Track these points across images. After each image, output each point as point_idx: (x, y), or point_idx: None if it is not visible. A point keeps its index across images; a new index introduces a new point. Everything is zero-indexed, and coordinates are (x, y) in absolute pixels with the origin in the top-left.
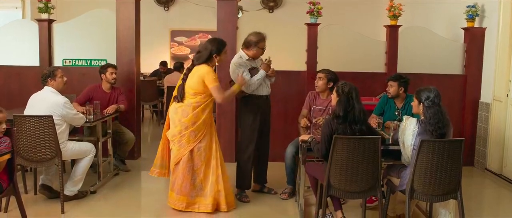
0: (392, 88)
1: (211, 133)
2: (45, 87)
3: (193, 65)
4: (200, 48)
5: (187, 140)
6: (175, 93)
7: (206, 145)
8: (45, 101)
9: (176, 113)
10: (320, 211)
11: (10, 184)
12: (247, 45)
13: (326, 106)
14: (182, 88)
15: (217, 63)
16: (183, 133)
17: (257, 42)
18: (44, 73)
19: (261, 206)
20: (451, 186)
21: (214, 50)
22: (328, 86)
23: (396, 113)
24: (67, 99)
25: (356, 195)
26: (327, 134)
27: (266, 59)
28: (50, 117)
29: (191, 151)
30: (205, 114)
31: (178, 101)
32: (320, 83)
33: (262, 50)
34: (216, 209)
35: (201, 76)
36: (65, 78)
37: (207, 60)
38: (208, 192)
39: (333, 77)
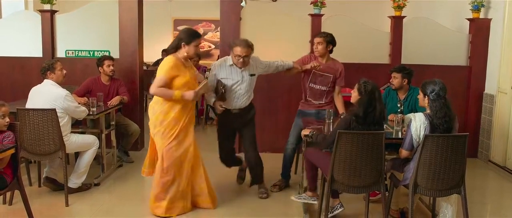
0: (396, 80)
1: (187, 132)
2: (45, 80)
3: (163, 55)
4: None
5: (159, 140)
6: None
7: (179, 145)
8: (46, 94)
9: (149, 111)
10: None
11: (14, 178)
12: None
13: (326, 73)
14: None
15: (186, 54)
16: (154, 132)
17: (231, 46)
18: (43, 67)
19: (262, 198)
20: (454, 181)
21: (183, 39)
22: (328, 49)
23: (398, 104)
24: (68, 92)
25: (359, 189)
26: (342, 128)
27: (220, 105)
28: (53, 110)
29: (163, 153)
30: (176, 110)
31: (152, 97)
32: (320, 47)
33: (237, 58)
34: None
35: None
36: (64, 71)
37: (175, 49)
38: (179, 196)
39: (332, 39)
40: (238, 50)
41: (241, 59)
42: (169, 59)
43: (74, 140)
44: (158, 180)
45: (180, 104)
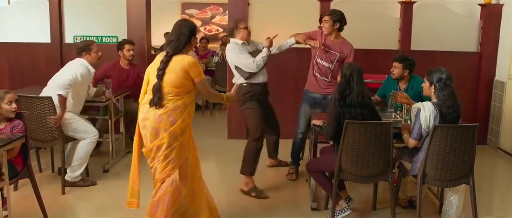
0: (397, 70)
1: (191, 134)
2: (77, 58)
3: (169, 57)
4: (171, 37)
5: (177, 154)
6: (145, 95)
7: (192, 154)
8: (68, 65)
9: (160, 121)
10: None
11: (24, 166)
12: (231, 33)
13: (332, 51)
14: (158, 88)
15: (191, 49)
16: (173, 145)
17: (236, 26)
18: (79, 47)
19: (271, 186)
20: (463, 172)
21: (191, 33)
22: (335, 27)
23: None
24: (90, 70)
25: (367, 179)
26: (333, 113)
27: (268, 38)
28: (50, 98)
29: (180, 168)
30: (191, 116)
31: (156, 106)
32: (326, 25)
33: (246, 29)
34: None
35: (185, 69)
36: (100, 53)
37: (185, 47)
38: (201, 210)
39: (339, 17)
40: (243, 23)
41: (247, 30)
42: (193, 59)
43: (69, 118)
44: (175, 206)
45: (193, 107)
